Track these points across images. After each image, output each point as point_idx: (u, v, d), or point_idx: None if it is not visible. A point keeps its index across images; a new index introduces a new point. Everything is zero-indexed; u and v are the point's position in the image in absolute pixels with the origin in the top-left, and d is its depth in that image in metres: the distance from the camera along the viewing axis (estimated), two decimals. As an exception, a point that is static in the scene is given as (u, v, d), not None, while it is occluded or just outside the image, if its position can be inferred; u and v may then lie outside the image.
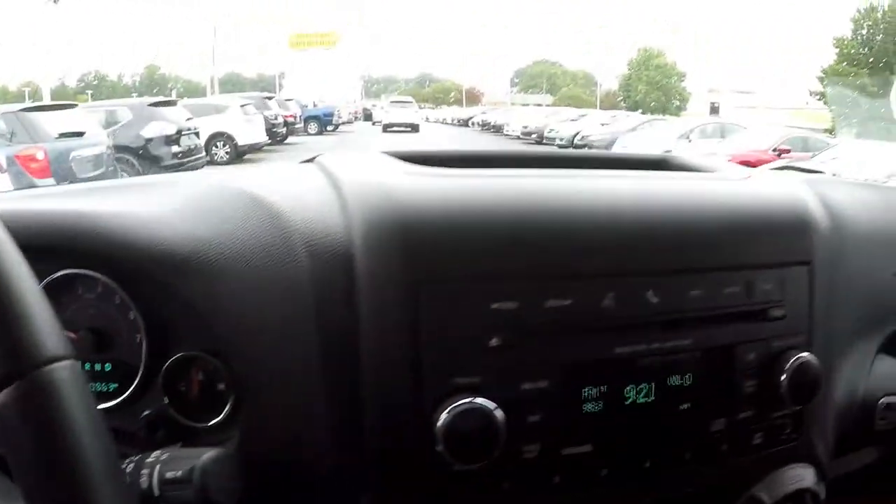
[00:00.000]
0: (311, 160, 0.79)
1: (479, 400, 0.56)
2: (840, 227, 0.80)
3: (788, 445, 0.71)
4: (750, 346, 0.67)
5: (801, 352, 0.67)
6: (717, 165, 0.83)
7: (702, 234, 0.67)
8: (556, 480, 0.61)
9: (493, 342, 0.58)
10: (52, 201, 0.71)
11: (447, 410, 0.56)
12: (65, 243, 0.65)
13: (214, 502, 0.53)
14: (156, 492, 0.54)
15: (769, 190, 0.75)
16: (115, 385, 0.70)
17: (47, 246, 0.65)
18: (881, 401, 0.81)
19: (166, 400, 0.67)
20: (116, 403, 0.68)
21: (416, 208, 0.60)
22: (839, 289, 0.76)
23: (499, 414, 0.56)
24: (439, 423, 0.56)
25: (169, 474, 0.54)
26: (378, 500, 0.60)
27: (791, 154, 10.93)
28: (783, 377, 0.66)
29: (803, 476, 0.71)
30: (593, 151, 3.57)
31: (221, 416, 0.66)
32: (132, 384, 0.68)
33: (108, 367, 0.70)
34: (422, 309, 0.57)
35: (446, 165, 0.70)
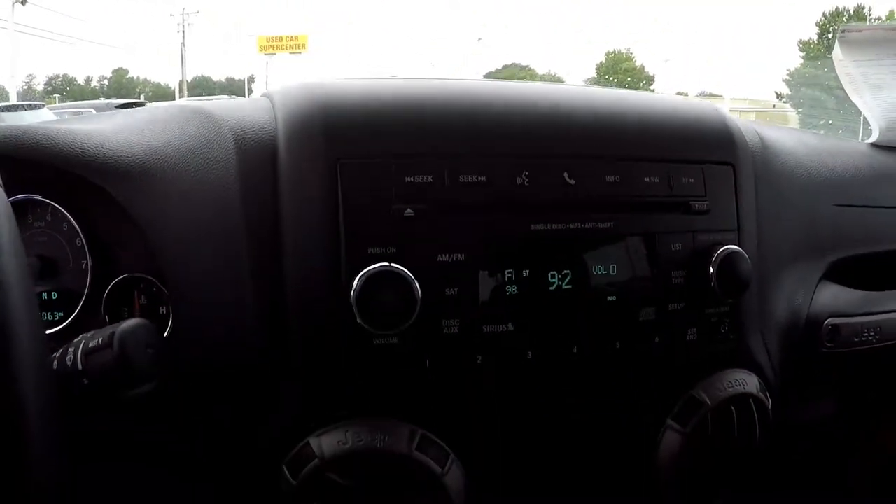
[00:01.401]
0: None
1: (395, 265, 0.57)
2: (772, 150, 0.82)
3: (726, 347, 0.71)
4: (675, 237, 0.67)
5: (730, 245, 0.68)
6: None
7: (618, 124, 0.68)
8: (480, 360, 0.61)
9: (408, 212, 0.59)
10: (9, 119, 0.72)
11: (360, 275, 0.56)
12: (15, 153, 0.65)
13: (134, 367, 0.54)
14: (79, 365, 0.55)
15: (695, 101, 0.77)
16: (60, 313, 0.70)
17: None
18: (826, 322, 0.82)
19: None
20: (60, 329, 0.69)
21: (336, 97, 0.62)
22: (772, 203, 0.78)
23: (414, 282, 0.57)
24: (354, 288, 0.56)
25: (91, 343, 0.55)
26: (302, 385, 0.60)
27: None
28: (711, 270, 0.66)
29: (745, 381, 0.71)
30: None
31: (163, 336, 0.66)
32: (76, 310, 0.69)
33: (54, 295, 0.70)
34: (339, 183, 0.58)
35: None
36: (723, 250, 0.67)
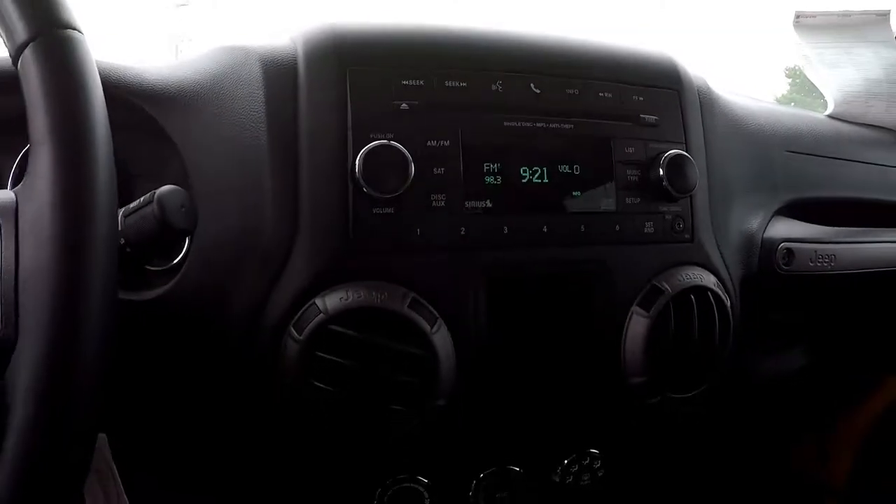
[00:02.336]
0: None
1: (393, 143, 0.68)
2: (720, 97, 0.93)
3: (682, 246, 0.81)
4: (628, 142, 0.78)
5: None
6: None
7: (576, 50, 0.81)
8: (463, 232, 0.72)
9: (403, 106, 0.70)
10: None
11: (364, 149, 0.68)
12: None
13: (170, 223, 0.60)
14: (119, 226, 0.60)
15: (649, 45, 0.88)
16: None
17: None
18: (780, 245, 0.92)
19: (122, 241, 0.70)
20: None
21: (345, 24, 0.74)
22: (720, 138, 0.88)
23: (408, 156, 0.68)
24: (359, 160, 0.67)
25: (132, 205, 0.62)
26: (309, 258, 0.68)
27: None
28: (661, 171, 0.77)
29: (702, 276, 0.80)
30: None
31: (178, 258, 0.73)
32: None
33: None
34: (348, 87, 0.70)
35: None
36: (671, 152, 0.78)
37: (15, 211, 0.50)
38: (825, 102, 1.26)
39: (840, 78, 1.25)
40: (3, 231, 0.49)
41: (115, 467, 0.72)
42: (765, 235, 0.93)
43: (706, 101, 0.88)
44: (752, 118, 0.99)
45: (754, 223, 0.93)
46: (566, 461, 0.85)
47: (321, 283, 0.68)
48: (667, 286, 0.78)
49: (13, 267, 0.48)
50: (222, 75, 0.74)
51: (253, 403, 0.73)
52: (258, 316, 0.69)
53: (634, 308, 0.78)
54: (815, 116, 1.19)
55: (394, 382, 0.67)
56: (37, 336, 0.46)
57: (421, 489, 0.80)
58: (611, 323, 0.78)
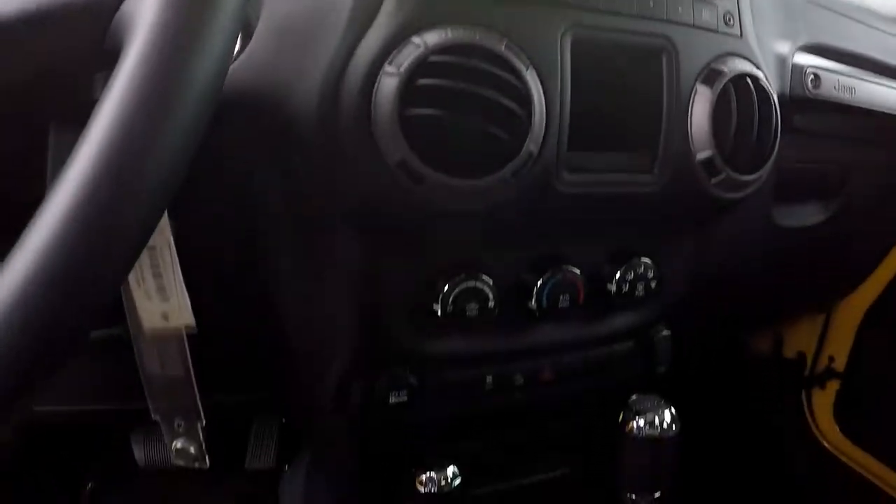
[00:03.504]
0: None
1: None
2: None
3: (733, 37, 0.84)
4: None
5: None
6: None
7: None
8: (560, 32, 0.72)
9: None
10: None
11: None
12: None
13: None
14: None
15: None
16: None
17: None
18: (808, 69, 0.96)
19: None
20: None
21: None
22: None
23: None
24: None
25: None
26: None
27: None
28: None
29: (754, 68, 0.83)
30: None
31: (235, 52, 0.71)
32: None
33: None
34: None
35: None
36: None
37: None
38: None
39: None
40: None
41: (172, 241, 0.67)
42: (794, 60, 0.96)
43: None
44: None
45: (784, 48, 0.96)
46: (619, 272, 0.85)
47: (416, 26, 0.67)
48: (724, 68, 0.81)
49: None
50: None
51: (330, 172, 0.70)
52: (341, 73, 0.67)
53: (698, 85, 0.80)
54: None
55: (495, 105, 0.66)
56: None
57: (486, 289, 0.78)
58: (678, 98, 0.79)
